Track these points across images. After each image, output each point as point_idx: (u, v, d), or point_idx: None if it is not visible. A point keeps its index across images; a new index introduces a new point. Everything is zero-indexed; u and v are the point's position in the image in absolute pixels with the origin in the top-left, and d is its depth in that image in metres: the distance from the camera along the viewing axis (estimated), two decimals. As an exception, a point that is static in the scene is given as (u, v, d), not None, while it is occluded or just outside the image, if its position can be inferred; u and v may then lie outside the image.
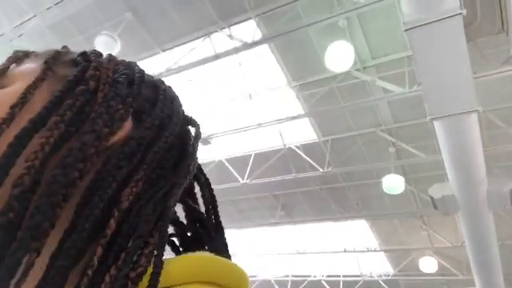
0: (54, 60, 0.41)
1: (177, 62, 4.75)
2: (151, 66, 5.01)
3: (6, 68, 0.42)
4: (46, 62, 0.40)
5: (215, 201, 0.50)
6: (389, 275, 8.53)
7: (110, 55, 0.45)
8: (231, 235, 8.51)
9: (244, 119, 5.75)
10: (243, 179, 6.56)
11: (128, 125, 0.39)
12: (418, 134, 5.43)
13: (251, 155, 6.52)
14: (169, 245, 0.48)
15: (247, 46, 4.22)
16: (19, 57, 0.43)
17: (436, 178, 5.33)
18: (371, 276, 8.64)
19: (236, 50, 4.32)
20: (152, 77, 0.47)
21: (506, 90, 4.74)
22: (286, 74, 5.19)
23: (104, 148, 0.36)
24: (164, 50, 4.99)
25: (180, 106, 0.47)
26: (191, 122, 0.49)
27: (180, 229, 0.48)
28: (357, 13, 4.03)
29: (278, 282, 9.63)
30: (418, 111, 4.99)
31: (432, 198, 5.11)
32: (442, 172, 4.67)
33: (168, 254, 0.40)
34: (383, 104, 5.23)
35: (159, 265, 0.34)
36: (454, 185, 4.76)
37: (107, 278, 0.31)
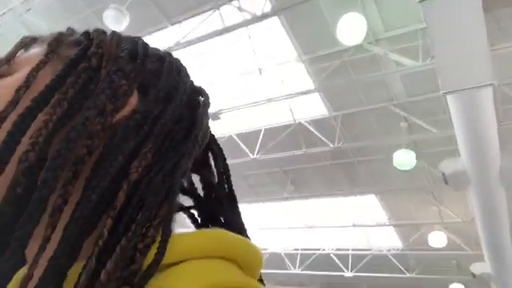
0: (57, 42, 0.41)
1: (185, 35, 4.70)
2: (160, 39, 4.97)
3: (13, 54, 0.42)
4: (49, 45, 0.41)
5: (228, 171, 0.50)
6: (398, 249, 8.60)
7: (113, 32, 0.45)
8: (241, 210, 8.61)
9: (254, 94, 5.72)
10: (253, 154, 6.58)
11: (134, 99, 0.39)
12: (430, 109, 5.34)
13: (261, 130, 6.51)
14: (189, 217, 0.49)
15: (257, 18, 4.14)
16: (26, 42, 0.43)
17: (448, 154, 5.27)
18: (380, 250, 8.72)
19: (245, 23, 4.24)
20: (157, 50, 0.47)
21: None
22: (297, 48, 5.10)
23: (110, 123, 0.37)
24: (173, 24, 4.93)
25: (187, 76, 0.47)
26: (200, 92, 0.48)
27: (198, 201, 0.49)
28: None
29: (287, 255, 9.79)
30: (431, 85, 4.89)
31: (443, 173, 5.07)
32: (453, 147, 4.61)
33: (188, 228, 0.40)
34: (395, 78, 5.13)
35: (167, 234, 0.34)
36: (465, 160, 4.71)
37: (118, 249, 0.32)
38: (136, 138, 0.37)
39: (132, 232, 0.33)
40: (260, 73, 5.43)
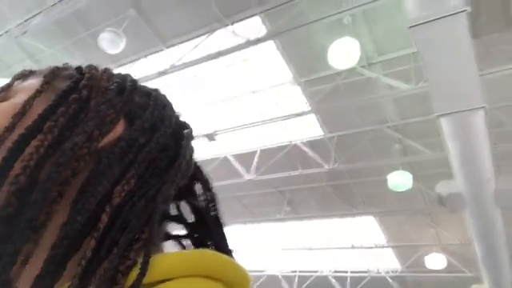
0: (52, 75, 0.45)
1: (180, 58, 4.75)
2: (155, 62, 5.02)
3: (11, 84, 0.46)
4: (44, 77, 0.44)
5: (214, 198, 0.52)
6: (396, 271, 8.50)
7: (105, 68, 0.48)
8: (237, 231, 8.63)
9: (249, 115, 5.75)
10: (249, 175, 6.56)
11: (120, 127, 0.42)
12: (424, 131, 5.36)
13: (256, 151, 6.51)
14: (179, 245, 0.51)
15: (250, 42, 4.19)
16: (25, 74, 0.48)
17: (443, 175, 5.27)
18: (378, 272, 8.62)
19: (239, 47, 4.30)
20: (145, 86, 0.50)
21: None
22: (292, 70, 5.16)
23: (96, 149, 0.39)
24: (168, 47, 4.99)
25: (172, 111, 0.50)
26: (184, 125, 0.51)
27: (188, 228, 0.51)
28: (362, 9, 3.98)
29: (285, 277, 9.66)
30: (424, 108, 4.93)
31: (439, 195, 5.06)
32: (449, 169, 4.61)
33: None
34: (389, 100, 5.17)
35: (148, 256, 0.35)
36: (460, 182, 4.70)
37: (101, 270, 0.33)
38: (121, 164, 0.39)
39: (114, 254, 0.34)
40: (256, 95, 5.47)
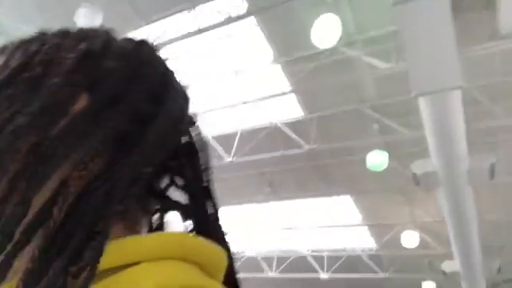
0: (11, 48, 0.41)
1: (160, 35, 4.65)
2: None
3: None
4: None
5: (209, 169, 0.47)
6: (372, 250, 8.75)
7: (78, 30, 0.43)
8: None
9: (229, 96, 5.71)
10: (229, 157, 6.56)
11: (82, 102, 0.37)
12: (402, 111, 5.47)
13: (237, 133, 6.50)
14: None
15: (232, 19, 4.14)
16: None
17: (419, 154, 5.41)
18: (355, 251, 8.85)
19: (221, 24, 4.24)
20: (129, 41, 0.45)
21: (490, 66, 4.79)
22: (273, 50, 5.14)
23: (44, 135, 0.34)
24: (147, 23, 4.87)
25: (158, 68, 0.44)
26: (171, 85, 0.44)
27: (169, 204, 0.46)
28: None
29: (264, 258, 9.79)
30: (403, 87, 5.01)
31: (414, 174, 5.21)
32: (424, 148, 4.73)
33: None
34: (369, 80, 5.24)
35: (96, 258, 0.31)
36: (435, 161, 4.85)
37: (50, 272, 0.29)
38: (76, 146, 0.34)
39: (65, 254, 0.30)
40: (236, 74, 5.43)
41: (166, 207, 0.46)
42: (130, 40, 0.45)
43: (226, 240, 0.45)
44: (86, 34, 0.42)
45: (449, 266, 7.10)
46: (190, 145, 0.46)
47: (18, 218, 0.31)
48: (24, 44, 0.41)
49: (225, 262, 0.40)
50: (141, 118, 0.38)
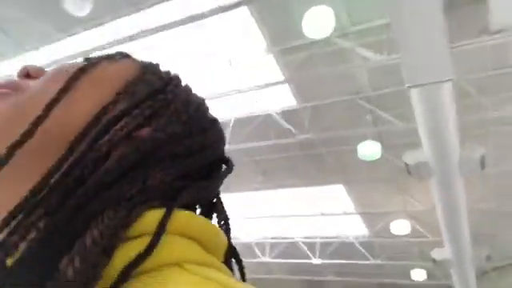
0: (148, 68, 0.52)
1: (151, 22, 4.59)
2: (123, 27, 4.82)
3: (112, 56, 0.52)
4: (143, 67, 0.51)
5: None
6: (364, 237, 8.87)
7: (186, 85, 0.54)
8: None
9: (223, 85, 5.68)
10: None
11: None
12: (395, 102, 5.48)
13: (231, 121, 6.50)
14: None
15: (224, 8, 4.10)
16: (122, 54, 0.54)
17: (411, 145, 5.45)
18: (347, 238, 8.97)
19: (213, 12, 4.20)
20: (212, 115, 0.54)
21: (480, 60, 4.80)
22: (266, 39, 5.10)
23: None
24: (138, 10, 4.80)
25: (223, 144, 0.56)
26: (227, 161, 0.56)
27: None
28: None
29: (257, 244, 9.91)
30: (396, 79, 5.02)
31: (406, 164, 5.26)
32: (416, 139, 4.77)
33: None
34: (362, 71, 5.23)
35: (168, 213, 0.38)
36: (427, 151, 4.89)
37: (104, 217, 0.36)
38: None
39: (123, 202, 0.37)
40: (230, 63, 5.39)
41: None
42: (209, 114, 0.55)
43: (228, 223, 0.51)
44: (190, 88, 0.55)
45: (439, 253, 7.21)
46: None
47: None
48: (155, 67, 0.54)
49: (224, 241, 0.44)
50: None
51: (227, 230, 0.50)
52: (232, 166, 0.55)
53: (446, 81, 3.64)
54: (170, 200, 0.41)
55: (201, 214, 0.51)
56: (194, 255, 0.37)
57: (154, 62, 0.55)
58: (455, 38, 3.77)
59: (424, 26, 3.16)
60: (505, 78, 4.98)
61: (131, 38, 4.63)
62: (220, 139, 0.53)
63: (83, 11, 4.30)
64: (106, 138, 0.40)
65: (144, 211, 0.37)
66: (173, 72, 0.55)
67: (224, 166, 0.54)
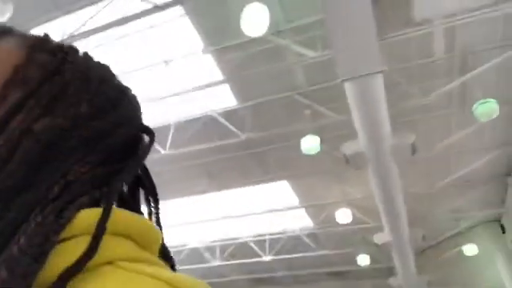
0: (37, 46, 0.45)
1: (80, 27, 4.37)
2: (51, 31, 4.54)
3: None
4: (30, 47, 0.45)
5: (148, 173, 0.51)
6: (309, 229, 9.14)
7: (85, 53, 0.49)
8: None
9: (160, 87, 5.55)
10: (164, 150, 6.42)
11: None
12: (331, 96, 5.71)
13: (171, 124, 6.37)
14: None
15: (158, 8, 4.01)
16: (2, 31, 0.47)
17: (348, 137, 5.70)
18: (294, 232, 9.19)
19: (146, 13, 4.09)
20: (120, 82, 0.50)
21: (406, 50, 5.14)
22: (203, 39, 5.07)
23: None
24: (65, 14, 4.54)
25: (140, 112, 0.50)
26: (147, 130, 0.50)
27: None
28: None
29: (206, 248, 9.81)
30: (331, 74, 5.22)
31: (344, 154, 5.50)
32: (353, 131, 5.00)
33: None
34: (298, 68, 5.38)
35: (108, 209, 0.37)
36: (363, 141, 5.15)
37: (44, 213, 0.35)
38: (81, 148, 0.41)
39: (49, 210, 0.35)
40: (166, 64, 5.28)
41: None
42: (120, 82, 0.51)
43: (156, 195, 0.49)
44: (90, 57, 0.49)
45: (380, 238, 7.63)
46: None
47: None
48: (44, 43, 0.47)
49: (159, 239, 0.43)
50: (126, 150, 0.45)
51: (156, 201, 0.49)
52: (153, 134, 0.50)
53: (377, 72, 3.85)
54: (99, 188, 0.40)
55: (128, 190, 0.49)
56: (126, 252, 0.37)
57: (42, 34, 0.49)
58: (382, 31, 4.00)
59: (354, 21, 3.32)
60: (430, 67, 5.38)
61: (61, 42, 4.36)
62: (134, 109, 0.49)
63: (3, 15, 3.98)
64: (3, 137, 0.38)
65: (75, 212, 0.36)
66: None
67: (146, 137, 0.50)
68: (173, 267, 0.45)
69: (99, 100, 0.44)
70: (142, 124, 0.50)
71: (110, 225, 0.37)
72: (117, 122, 0.44)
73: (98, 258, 0.34)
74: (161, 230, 0.47)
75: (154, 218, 0.48)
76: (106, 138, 0.43)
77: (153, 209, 0.48)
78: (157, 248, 0.43)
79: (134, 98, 0.50)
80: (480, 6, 3.63)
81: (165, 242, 0.46)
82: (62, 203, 0.36)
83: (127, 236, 0.38)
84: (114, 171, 0.42)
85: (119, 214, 0.39)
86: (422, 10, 3.32)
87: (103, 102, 0.44)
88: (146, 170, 0.50)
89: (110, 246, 0.36)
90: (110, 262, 0.35)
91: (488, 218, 8.91)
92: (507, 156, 7.14)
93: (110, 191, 0.40)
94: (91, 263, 0.34)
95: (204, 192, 7.73)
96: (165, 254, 0.45)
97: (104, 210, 0.37)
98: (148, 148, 0.48)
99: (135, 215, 0.41)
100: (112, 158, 0.43)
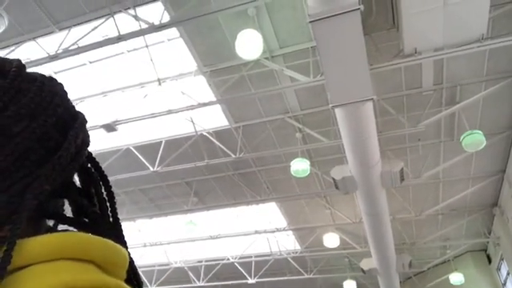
0: None
1: (75, 42, 4.38)
2: (46, 45, 4.55)
3: None
4: None
5: (113, 197, 0.49)
6: (296, 252, 9.06)
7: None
8: (142, 225, 8.35)
9: (154, 105, 5.55)
10: (154, 167, 6.38)
11: None
12: (321, 121, 5.76)
13: (161, 142, 6.35)
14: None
15: (153, 28, 4.05)
16: None
17: (338, 161, 5.73)
18: (281, 254, 9.09)
19: (141, 33, 4.12)
20: (35, 73, 0.46)
21: (396, 80, 5.25)
22: (197, 60, 5.11)
23: None
24: (61, 29, 4.56)
25: (63, 100, 0.46)
26: (77, 116, 0.47)
27: (64, 222, 0.47)
28: (265, 2, 4.08)
29: (191, 268, 9.65)
30: (322, 99, 5.30)
31: (334, 179, 5.52)
32: (342, 155, 5.02)
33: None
34: (290, 92, 5.44)
35: (8, 255, 0.33)
36: (352, 167, 5.18)
37: None
38: None
39: None
40: (160, 83, 5.30)
41: (61, 223, 0.47)
42: (34, 73, 0.46)
43: (126, 244, 0.46)
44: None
45: (367, 263, 7.59)
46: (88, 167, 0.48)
47: None
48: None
49: (125, 259, 0.41)
50: (46, 139, 0.41)
51: (106, 182, 0.47)
52: (83, 116, 0.47)
53: (367, 100, 3.91)
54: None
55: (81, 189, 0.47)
56: (84, 279, 0.35)
57: None
58: (374, 61, 4.09)
59: (346, 50, 3.39)
60: (418, 97, 5.48)
61: (52, 58, 4.36)
62: (52, 95, 0.44)
63: (-3, 27, 3.98)
64: None
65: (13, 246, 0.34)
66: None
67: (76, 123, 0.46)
68: None
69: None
70: (71, 109, 0.46)
71: (70, 251, 0.36)
72: (28, 114, 0.40)
73: (52, 284, 0.33)
74: (125, 245, 0.45)
75: (109, 214, 0.47)
76: (16, 137, 0.39)
77: (107, 202, 0.47)
78: (123, 272, 0.41)
79: (50, 82, 0.45)
80: (466, 42, 3.74)
81: (134, 264, 0.45)
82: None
83: (90, 261, 0.37)
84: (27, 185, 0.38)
85: (82, 239, 0.38)
86: (410, 43, 3.41)
87: (8, 93, 0.40)
88: (90, 155, 0.48)
89: (65, 272, 0.35)
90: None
91: (474, 248, 8.95)
92: (493, 187, 7.23)
93: (15, 225, 0.36)
94: (45, 285, 0.33)
95: (190, 211, 7.65)
96: (134, 278, 0.44)
97: (7, 246, 0.34)
98: (77, 133, 0.44)
99: (100, 240, 0.39)
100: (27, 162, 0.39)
